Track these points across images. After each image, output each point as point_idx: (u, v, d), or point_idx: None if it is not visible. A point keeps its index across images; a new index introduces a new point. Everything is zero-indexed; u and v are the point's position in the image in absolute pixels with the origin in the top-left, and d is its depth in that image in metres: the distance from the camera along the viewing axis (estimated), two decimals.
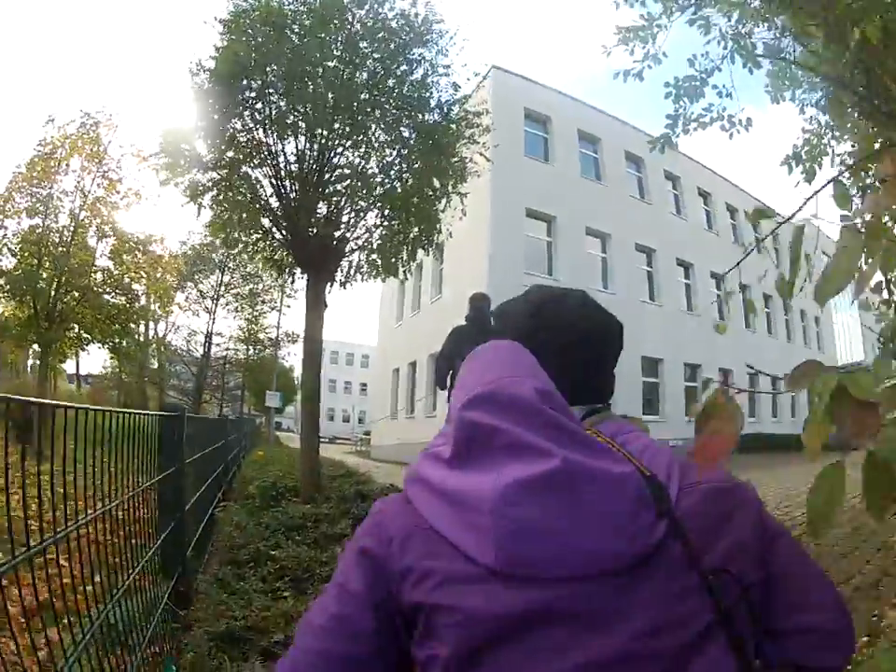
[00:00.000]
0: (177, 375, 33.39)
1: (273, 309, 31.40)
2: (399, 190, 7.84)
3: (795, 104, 5.43)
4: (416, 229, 8.16)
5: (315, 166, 7.53)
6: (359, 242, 8.23)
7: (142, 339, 32.63)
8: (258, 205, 7.81)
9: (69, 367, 44.60)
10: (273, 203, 7.85)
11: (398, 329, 25.08)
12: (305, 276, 8.08)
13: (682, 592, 0.74)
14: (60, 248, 16.94)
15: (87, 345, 21.27)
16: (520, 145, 18.61)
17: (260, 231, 8.27)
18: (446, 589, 0.75)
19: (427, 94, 7.77)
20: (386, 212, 7.99)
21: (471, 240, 17.49)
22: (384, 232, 8.20)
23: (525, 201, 18.13)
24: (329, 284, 8.03)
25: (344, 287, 8.32)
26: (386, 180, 7.91)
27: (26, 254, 16.67)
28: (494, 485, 0.75)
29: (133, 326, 22.62)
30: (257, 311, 31.79)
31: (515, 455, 0.77)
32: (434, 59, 7.73)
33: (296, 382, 65.21)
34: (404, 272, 8.78)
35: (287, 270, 9.03)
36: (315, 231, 7.56)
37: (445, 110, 7.92)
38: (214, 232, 8.80)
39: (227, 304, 31.17)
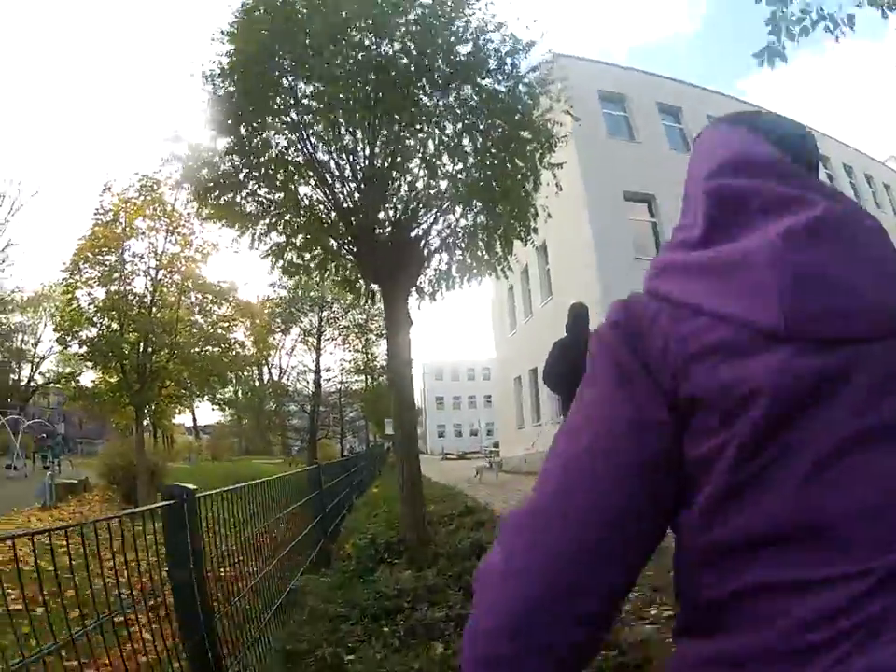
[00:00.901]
0: (292, 416, 33.97)
1: (380, 336, 31.29)
2: (476, 172, 6.41)
3: None
4: (508, 216, 6.74)
5: (366, 160, 6.33)
6: (439, 241, 6.96)
7: (256, 384, 33.56)
8: (313, 220, 6.71)
9: (186, 419, 46.76)
10: (331, 214, 6.69)
11: (513, 337, 24.88)
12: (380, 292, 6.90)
13: None
14: (142, 310, 17.14)
15: (185, 400, 21.71)
16: (601, 127, 18.03)
17: (319, 248, 7.10)
18: (719, 365, 0.65)
19: (483, 53, 6.30)
20: (469, 202, 6.62)
21: (573, 234, 17.11)
22: (469, 226, 6.89)
23: (620, 184, 17.45)
24: (408, 296, 6.87)
25: (434, 299, 7.21)
26: (457, 160, 6.42)
27: (106, 320, 16.83)
28: (763, 239, 0.67)
29: (230, 375, 23.01)
30: (365, 339, 32.03)
31: (777, 211, 0.69)
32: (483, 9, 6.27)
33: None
34: (502, 269, 7.36)
35: (361, 288, 7.67)
36: (381, 234, 6.45)
37: (508, 66, 6.38)
38: (272, 261, 7.21)
39: (332, 339, 31.52)
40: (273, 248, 6.98)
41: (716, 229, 0.72)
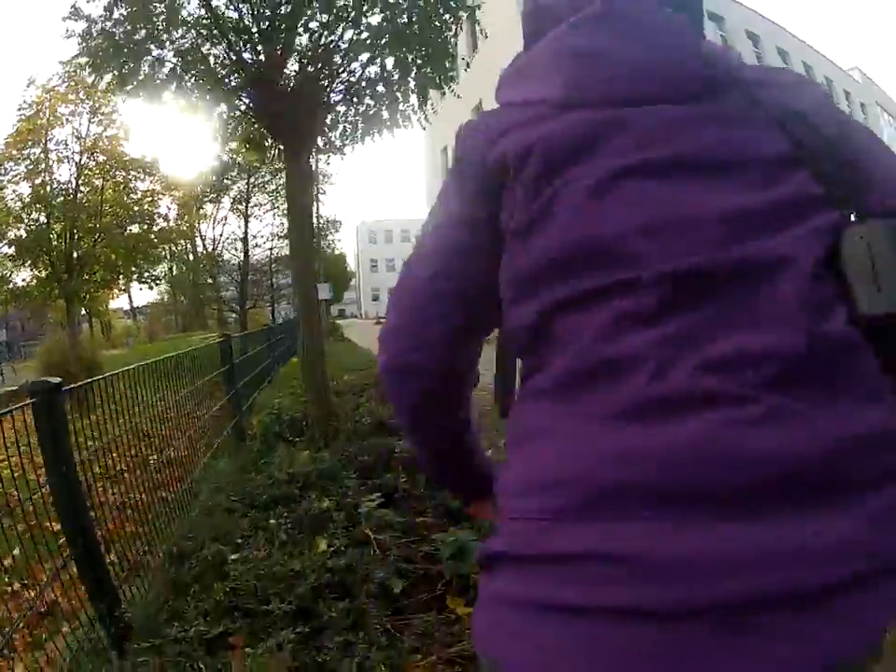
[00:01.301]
0: (226, 287, 33.21)
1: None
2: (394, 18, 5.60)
3: None
4: (423, 63, 5.95)
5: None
6: (344, 91, 6.14)
7: (190, 257, 32.70)
8: (217, 81, 5.78)
9: (124, 303, 46.00)
10: (234, 71, 5.80)
11: None
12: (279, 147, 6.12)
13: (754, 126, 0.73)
14: (67, 198, 16.60)
15: (115, 284, 21.17)
16: None
17: (224, 106, 6.16)
18: (514, 135, 0.75)
19: None
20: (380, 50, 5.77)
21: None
22: (377, 74, 6.07)
23: None
24: (311, 151, 6.25)
25: (343, 153, 6.62)
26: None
27: (32, 214, 16.38)
28: (553, 34, 0.79)
29: (160, 251, 22.37)
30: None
31: (571, 14, 0.79)
32: None
33: (347, 268, 66.39)
34: (418, 120, 6.52)
35: (266, 146, 6.82)
36: (283, 86, 5.63)
37: None
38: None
39: (260, 204, 30.38)
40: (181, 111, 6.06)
41: (533, 40, 0.84)
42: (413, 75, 6.03)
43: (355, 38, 5.68)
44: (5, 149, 16.70)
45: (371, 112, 6.25)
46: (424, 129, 6.90)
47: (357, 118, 6.33)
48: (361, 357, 12.64)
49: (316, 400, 5.55)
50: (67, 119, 17.12)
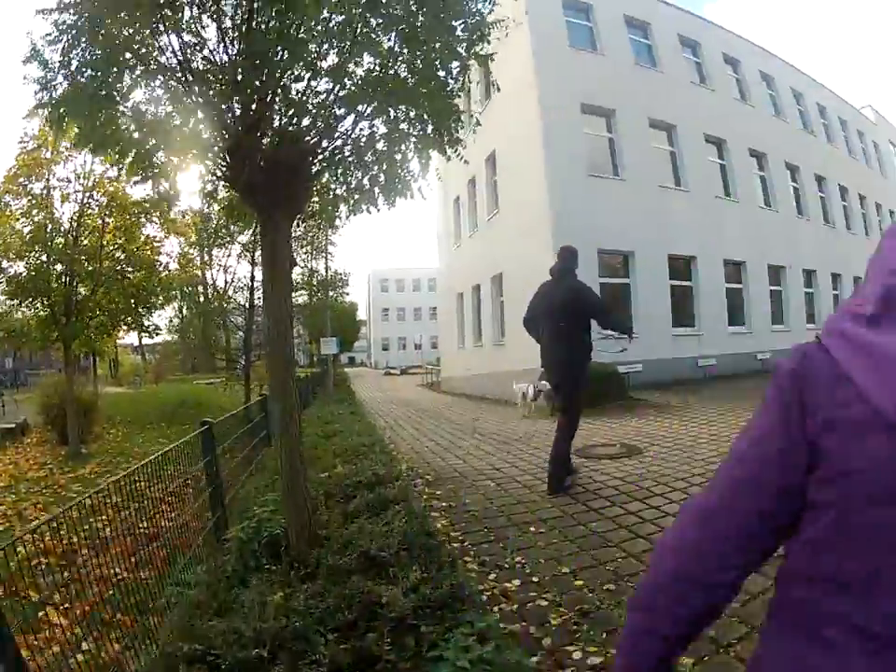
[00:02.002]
0: (234, 332, 32.90)
1: (317, 250, 30.05)
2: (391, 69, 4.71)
3: None
4: (428, 121, 5.11)
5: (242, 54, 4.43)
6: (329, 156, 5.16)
7: (200, 299, 32.32)
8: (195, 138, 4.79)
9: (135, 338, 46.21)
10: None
11: (457, 251, 23.86)
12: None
13: None
14: (68, 238, 16.07)
15: (115, 331, 20.84)
16: (563, 36, 16.67)
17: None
18: (850, 436, 0.82)
19: None
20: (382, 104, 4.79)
21: (524, 144, 16.08)
22: (374, 134, 5.12)
23: (579, 96, 16.20)
24: (291, 223, 5.36)
25: (332, 225, 5.79)
26: (356, 49, 4.56)
27: (32, 253, 15.73)
28: None
29: (159, 299, 21.98)
30: (304, 252, 30.48)
31: None
32: None
33: (357, 317, 66.36)
34: (419, 189, 5.48)
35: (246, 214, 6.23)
36: (261, 148, 4.73)
37: None
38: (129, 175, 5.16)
39: None
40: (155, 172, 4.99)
41: (882, 318, 0.86)
42: (412, 136, 5.11)
43: (338, 93, 4.65)
44: (4, 182, 16.05)
45: (362, 184, 5.24)
46: (424, 198, 5.89)
47: (347, 191, 5.39)
48: (363, 431, 10.16)
49: (294, 510, 4.41)
50: (70, 156, 16.42)
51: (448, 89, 5.02)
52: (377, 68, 4.60)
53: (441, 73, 4.91)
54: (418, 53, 4.60)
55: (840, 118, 27.85)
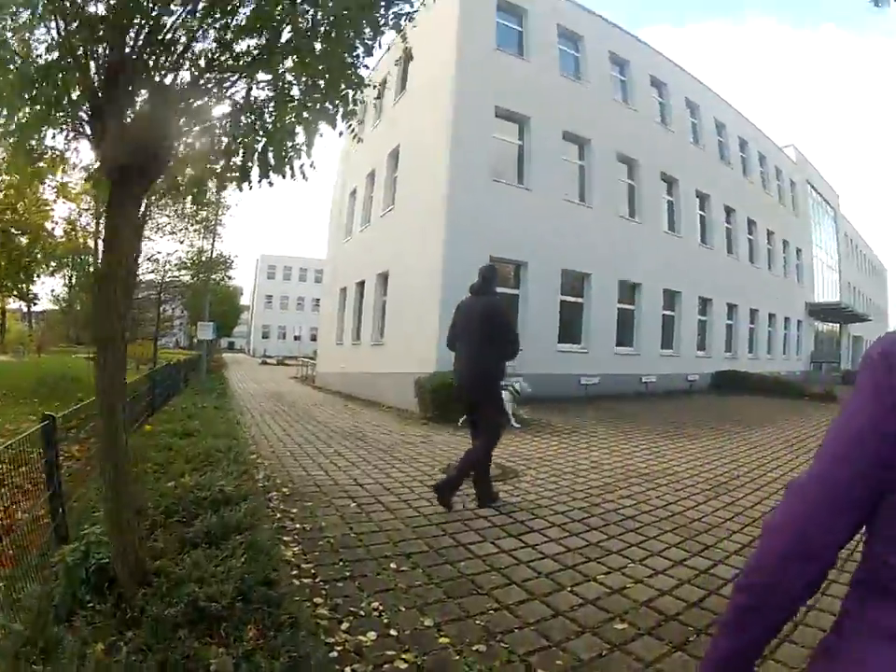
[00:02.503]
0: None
1: (206, 229, 28.48)
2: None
3: None
4: (321, 91, 4.49)
5: None
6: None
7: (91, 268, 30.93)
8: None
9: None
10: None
11: (346, 244, 23.29)
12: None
13: None
14: None
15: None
16: (490, 36, 16.32)
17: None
18: None
19: None
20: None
21: (431, 141, 15.59)
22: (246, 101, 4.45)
23: (495, 98, 15.87)
24: (140, 200, 4.76)
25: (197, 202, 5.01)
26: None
27: None
28: None
29: (40, 267, 20.87)
30: (193, 231, 29.13)
31: None
32: None
33: (239, 303, 65.32)
34: (301, 168, 4.80)
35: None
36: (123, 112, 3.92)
37: None
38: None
39: (159, 227, 28.44)
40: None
41: None
42: (304, 104, 4.46)
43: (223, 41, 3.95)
44: None
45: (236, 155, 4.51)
46: (305, 179, 5.34)
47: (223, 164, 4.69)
48: (223, 431, 8.93)
49: (119, 541, 3.54)
50: None
51: (355, 53, 4.38)
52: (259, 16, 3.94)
53: (352, 32, 4.27)
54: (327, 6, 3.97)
55: (760, 153, 28.66)
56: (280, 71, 4.13)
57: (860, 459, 0.98)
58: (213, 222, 27.36)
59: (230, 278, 37.34)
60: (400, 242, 16.92)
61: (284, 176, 4.79)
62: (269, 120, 4.49)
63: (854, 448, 0.99)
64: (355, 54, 4.39)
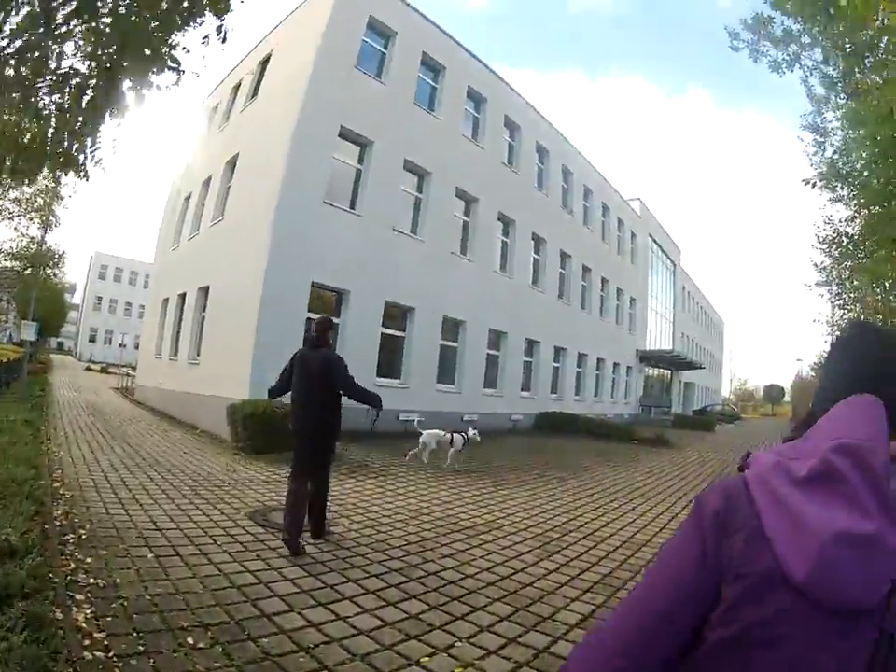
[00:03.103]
0: None
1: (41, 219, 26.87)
2: None
3: None
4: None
5: None
6: None
7: None
8: None
9: None
10: None
11: (174, 251, 22.22)
12: None
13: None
14: None
15: None
16: (353, 53, 16.13)
17: None
18: (751, 589, 0.96)
19: None
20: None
21: (268, 152, 15.07)
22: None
23: (343, 118, 15.57)
24: None
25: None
26: None
27: None
28: (827, 523, 0.94)
29: None
30: (28, 219, 27.02)
31: (849, 504, 0.96)
32: None
33: (67, 302, 61.56)
34: (92, 159, 4.58)
35: None
36: None
37: None
38: None
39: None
40: None
41: (810, 483, 1.01)
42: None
43: None
44: None
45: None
46: (105, 171, 4.94)
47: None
48: (25, 455, 8.29)
49: None
50: None
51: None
52: None
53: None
54: None
55: (604, 203, 30.22)
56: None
57: (675, 622, 1.01)
58: (47, 212, 25.72)
59: (55, 275, 35.18)
60: (225, 256, 16.22)
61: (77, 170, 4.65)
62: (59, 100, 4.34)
63: (670, 609, 1.02)
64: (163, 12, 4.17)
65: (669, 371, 46.35)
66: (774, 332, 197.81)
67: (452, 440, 11.85)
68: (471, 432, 12.11)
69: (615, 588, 5.63)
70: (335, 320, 7.11)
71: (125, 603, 4.18)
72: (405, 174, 17.72)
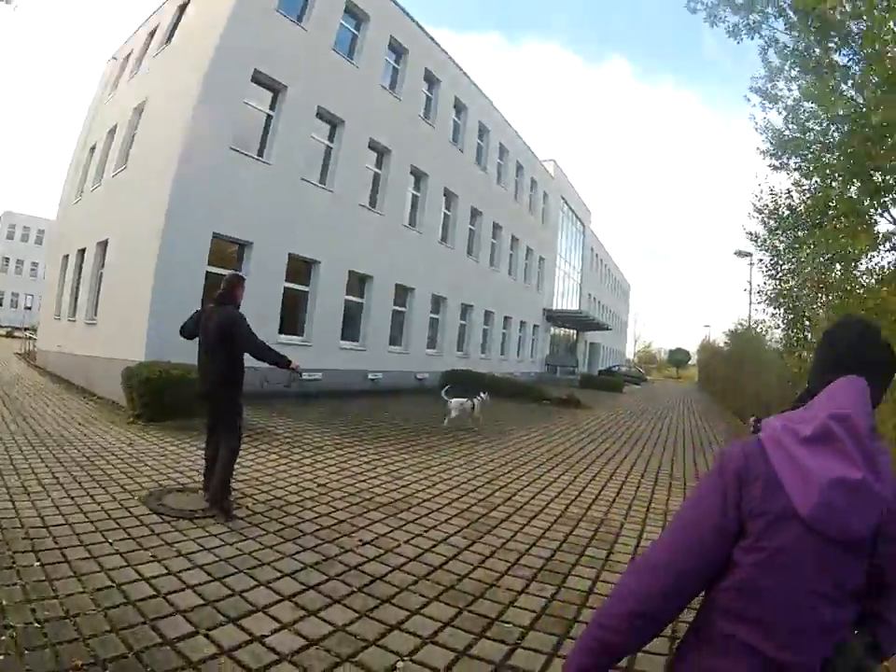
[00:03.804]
0: None
1: None
2: None
3: None
4: None
5: None
6: None
7: None
8: None
9: None
10: None
11: (76, 205, 21.07)
12: None
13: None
14: None
15: None
16: None
17: None
18: (769, 524, 1.38)
19: None
20: None
21: (177, 96, 14.42)
22: None
23: (258, 61, 14.98)
24: None
25: None
26: None
27: None
28: (825, 472, 1.35)
29: None
30: None
31: (842, 458, 1.37)
32: None
33: None
34: None
35: None
36: None
37: None
38: None
39: None
40: None
41: (813, 441, 1.43)
42: None
43: None
44: None
45: None
46: None
47: None
48: None
49: None
50: None
51: None
52: None
53: None
54: None
55: (519, 162, 30.58)
56: None
57: (702, 552, 1.44)
58: None
59: None
60: (125, 207, 15.48)
61: None
62: None
63: (698, 541, 1.44)
64: None
65: (575, 332, 47.82)
66: (680, 299, 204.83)
67: (474, 406, 14.02)
68: (484, 395, 14.39)
69: (563, 575, 5.14)
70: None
71: (14, 634, 3.43)
72: (317, 121, 17.35)
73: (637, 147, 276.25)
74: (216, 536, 5.40)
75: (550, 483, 8.68)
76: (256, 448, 9.12)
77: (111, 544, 4.98)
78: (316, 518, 6.18)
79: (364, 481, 7.90)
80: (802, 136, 10.75)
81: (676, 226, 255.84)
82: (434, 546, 5.64)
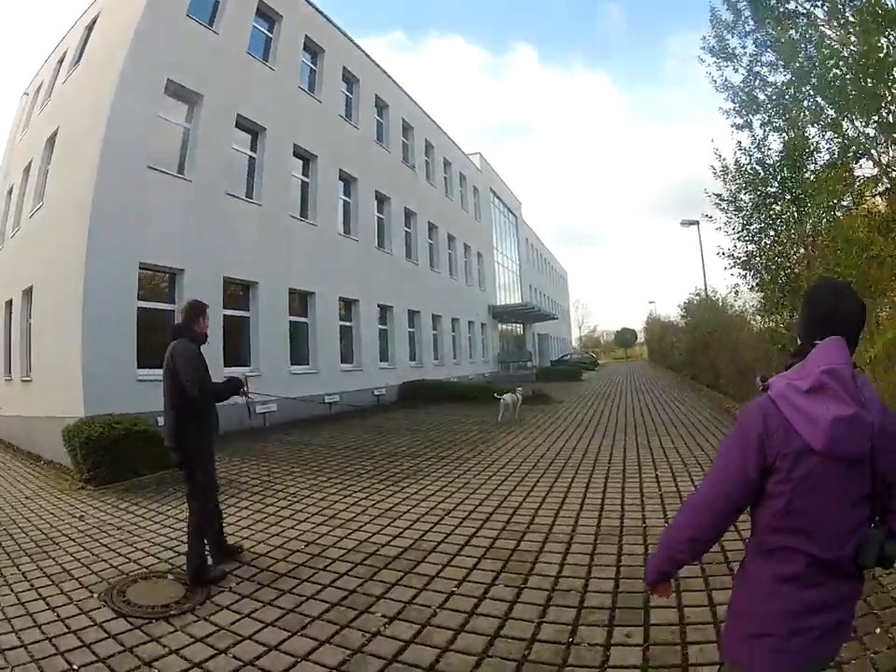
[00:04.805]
0: None
1: None
2: None
3: None
4: None
5: None
6: None
7: None
8: None
9: None
10: None
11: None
12: None
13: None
14: None
15: None
16: (184, 1, 14.76)
17: None
18: (793, 460, 1.83)
19: None
20: None
21: (88, 119, 13.34)
22: None
23: (170, 71, 14.07)
24: None
25: None
26: None
27: None
28: (827, 414, 1.79)
29: None
30: None
31: (836, 401, 1.81)
32: None
33: None
34: None
35: None
36: None
37: None
38: None
39: None
40: None
41: (812, 391, 1.86)
42: None
43: None
44: None
45: None
46: None
47: None
48: None
49: None
50: None
51: None
52: None
53: None
54: None
55: (445, 158, 30.34)
56: None
57: (739, 487, 1.94)
58: None
59: None
60: (44, 247, 14.30)
61: None
62: None
63: (735, 479, 1.95)
64: None
65: (522, 325, 47.96)
66: (616, 281, 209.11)
67: (517, 399, 16.97)
68: (519, 391, 17.57)
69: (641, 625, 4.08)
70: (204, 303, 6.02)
71: None
72: (237, 131, 16.54)
73: (549, 133, 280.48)
74: (201, 640, 4.17)
75: (564, 496, 7.79)
76: (223, 504, 6.83)
77: (70, 665, 3.86)
78: (319, 592, 4.99)
79: (358, 529, 6.73)
80: (766, 92, 10.75)
81: (599, 210, 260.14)
82: (476, 605, 4.53)
